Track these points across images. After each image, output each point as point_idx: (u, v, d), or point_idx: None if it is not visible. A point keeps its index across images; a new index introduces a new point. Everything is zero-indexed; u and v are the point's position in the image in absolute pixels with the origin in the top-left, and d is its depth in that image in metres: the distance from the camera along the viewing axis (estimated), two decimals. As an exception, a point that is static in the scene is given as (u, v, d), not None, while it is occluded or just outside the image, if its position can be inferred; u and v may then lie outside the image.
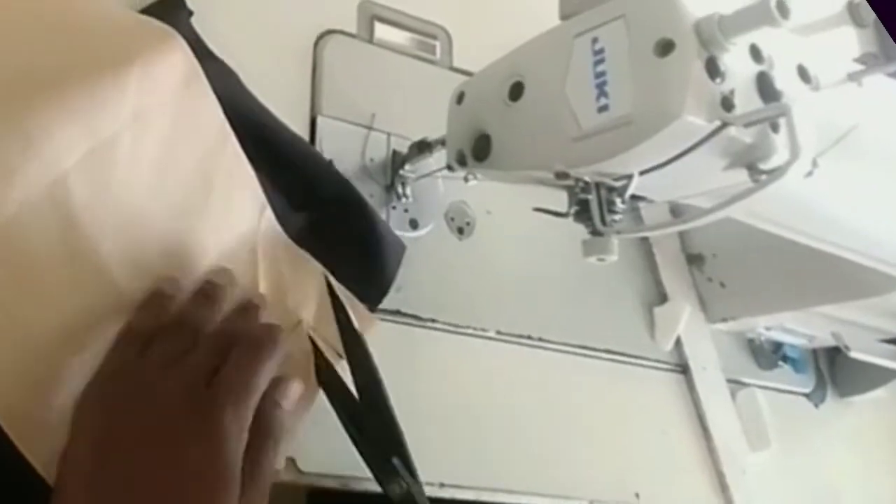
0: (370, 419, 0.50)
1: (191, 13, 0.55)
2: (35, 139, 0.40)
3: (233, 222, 0.51)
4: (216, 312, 0.47)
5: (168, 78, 0.46)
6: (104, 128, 0.43)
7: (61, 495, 0.39)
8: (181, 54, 0.46)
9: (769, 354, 0.78)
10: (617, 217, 0.48)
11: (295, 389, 0.47)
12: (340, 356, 0.52)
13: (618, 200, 0.48)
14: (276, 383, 0.46)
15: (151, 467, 0.39)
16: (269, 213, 0.53)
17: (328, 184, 0.56)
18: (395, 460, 0.49)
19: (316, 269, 0.54)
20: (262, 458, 0.43)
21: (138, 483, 0.39)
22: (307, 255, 0.54)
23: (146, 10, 0.52)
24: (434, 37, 0.68)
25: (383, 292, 0.57)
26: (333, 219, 0.56)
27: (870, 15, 1.00)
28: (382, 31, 0.65)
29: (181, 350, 0.43)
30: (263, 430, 0.44)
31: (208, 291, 0.47)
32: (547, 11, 0.58)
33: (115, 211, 0.44)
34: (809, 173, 0.41)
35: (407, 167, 0.60)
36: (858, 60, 0.85)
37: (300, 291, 0.53)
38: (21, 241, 0.40)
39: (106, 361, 0.43)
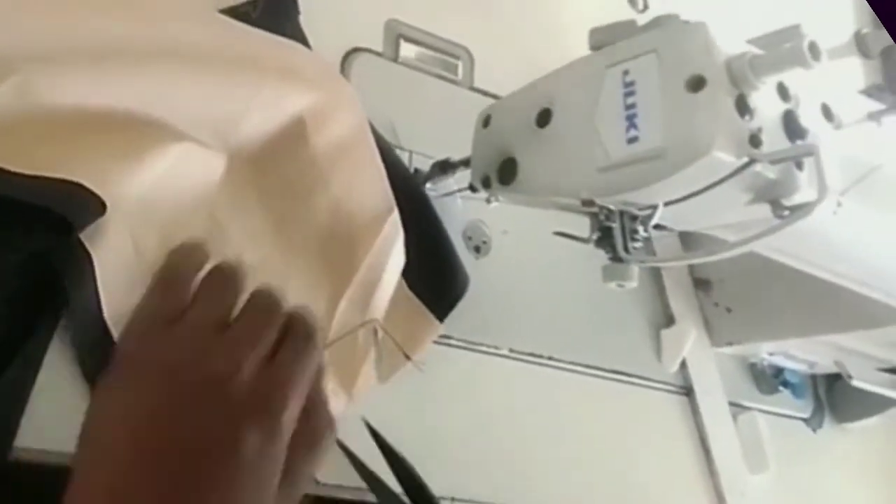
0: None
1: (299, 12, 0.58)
2: None
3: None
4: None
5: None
6: None
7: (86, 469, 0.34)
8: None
9: (770, 379, 0.79)
10: (638, 245, 0.49)
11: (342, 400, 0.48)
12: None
13: (640, 229, 0.49)
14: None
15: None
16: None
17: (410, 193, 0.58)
18: None
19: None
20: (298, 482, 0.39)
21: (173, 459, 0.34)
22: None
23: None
24: (457, 57, 0.69)
25: (451, 305, 0.59)
26: (412, 229, 0.57)
27: (877, 46, 1.02)
28: (407, 50, 0.66)
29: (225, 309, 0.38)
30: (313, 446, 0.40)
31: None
32: (567, 35, 0.59)
33: None
34: (834, 212, 0.42)
35: (428, 185, 0.61)
36: (864, 92, 0.87)
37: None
38: None
39: (138, 309, 0.38)
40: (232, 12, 0.54)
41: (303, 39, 0.58)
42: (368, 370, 0.54)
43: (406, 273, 0.56)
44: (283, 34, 0.55)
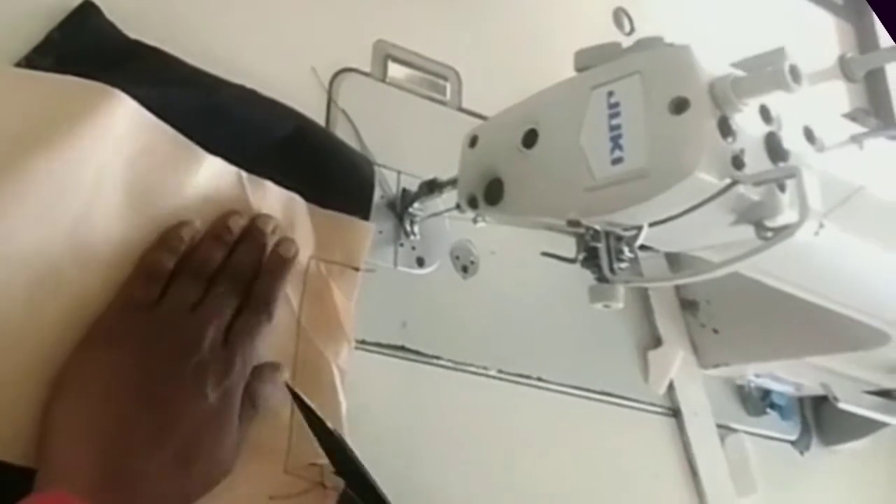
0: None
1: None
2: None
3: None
4: (224, 252, 0.51)
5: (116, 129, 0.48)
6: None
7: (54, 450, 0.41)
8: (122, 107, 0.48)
9: (757, 401, 0.79)
10: (623, 265, 0.49)
11: (283, 375, 0.51)
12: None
13: (625, 249, 0.49)
14: (276, 365, 0.51)
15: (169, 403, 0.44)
16: (255, 178, 0.54)
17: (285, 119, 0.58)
18: None
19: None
20: (242, 425, 0.47)
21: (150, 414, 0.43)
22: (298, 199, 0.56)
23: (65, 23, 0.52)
24: (445, 78, 0.70)
25: (369, 198, 0.59)
26: (298, 149, 0.57)
27: (861, 70, 1.03)
28: (395, 71, 0.67)
29: (196, 294, 0.48)
30: (254, 402, 0.48)
31: (221, 235, 0.51)
32: (555, 57, 0.60)
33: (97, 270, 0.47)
34: (816, 233, 0.42)
35: (416, 205, 0.61)
36: (849, 116, 0.88)
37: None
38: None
39: (117, 296, 0.46)
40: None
41: None
42: (341, 302, 0.55)
43: (313, 195, 0.56)
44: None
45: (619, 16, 0.85)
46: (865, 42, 1.09)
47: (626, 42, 0.50)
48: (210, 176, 0.52)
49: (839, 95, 1.02)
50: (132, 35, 0.54)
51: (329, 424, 0.50)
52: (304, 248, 0.55)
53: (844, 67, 1.02)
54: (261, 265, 0.52)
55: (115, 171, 0.48)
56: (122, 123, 0.48)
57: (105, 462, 0.41)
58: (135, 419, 0.42)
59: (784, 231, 0.42)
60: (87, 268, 0.46)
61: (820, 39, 1.06)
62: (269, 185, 0.54)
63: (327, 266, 0.55)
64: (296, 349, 0.53)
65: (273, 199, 0.54)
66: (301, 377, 0.52)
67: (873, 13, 1.08)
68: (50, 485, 0.40)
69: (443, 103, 0.69)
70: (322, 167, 0.57)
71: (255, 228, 0.52)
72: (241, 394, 0.47)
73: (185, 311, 0.47)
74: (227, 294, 0.49)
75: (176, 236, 0.49)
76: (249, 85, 0.57)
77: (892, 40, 0.98)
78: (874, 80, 1.06)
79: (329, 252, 0.56)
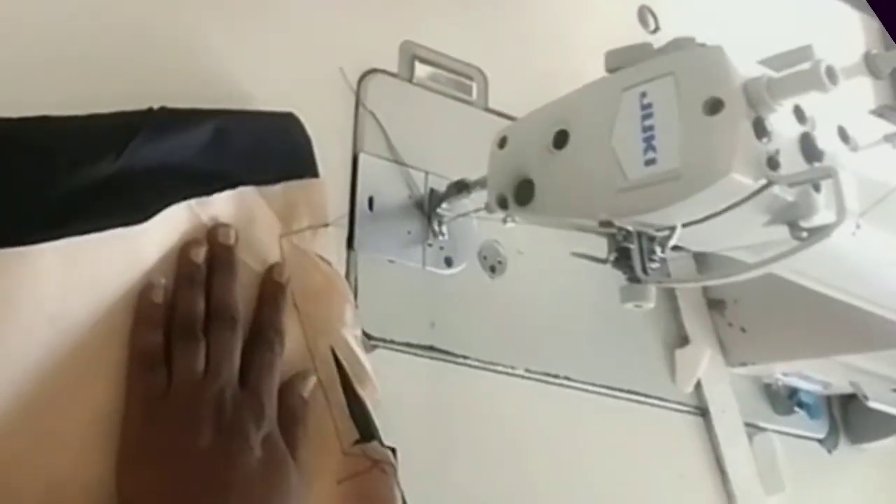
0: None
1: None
2: None
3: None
4: (203, 294, 0.49)
5: None
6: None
7: None
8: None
9: (785, 400, 0.79)
10: (655, 266, 0.49)
11: (312, 381, 0.51)
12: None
13: (658, 249, 0.49)
14: (302, 376, 0.51)
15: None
16: (201, 200, 0.51)
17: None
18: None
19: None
20: (299, 448, 0.47)
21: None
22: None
23: None
24: (471, 78, 0.70)
25: (310, 155, 0.57)
26: (231, 143, 0.55)
27: (887, 67, 1.02)
28: (422, 71, 0.67)
29: (199, 356, 0.46)
30: (295, 421, 0.49)
31: (191, 275, 0.49)
32: (580, 56, 0.60)
33: None
34: (853, 233, 0.42)
35: (444, 206, 0.62)
36: (875, 112, 0.87)
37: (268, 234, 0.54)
38: None
39: (129, 396, 0.45)
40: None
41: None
42: (325, 268, 0.54)
43: (260, 178, 0.54)
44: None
45: (644, 14, 0.85)
46: (891, 38, 1.08)
47: (652, 39, 0.50)
48: (159, 237, 0.49)
49: (865, 92, 1.01)
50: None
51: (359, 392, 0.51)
52: (272, 232, 0.53)
53: (870, 64, 1.01)
54: (240, 284, 0.50)
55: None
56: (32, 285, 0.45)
57: None
58: None
59: (821, 231, 0.42)
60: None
61: (845, 35, 1.05)
62: (214, 196, 0.52)
63: (299, 237, 0.54)
64: (305, 337, 0.53)
65: (224, 206, 0.52)
66: (319, 360, 0.52)
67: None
68: None
69: (469, 103, 0.69)
70: (255, 149, 0.55)
71: (218, 247, 0.50)
72: (281, 424, 0.47)
73: (199, 381, 0.46)
74: (228, 340, 0.48)
75: (149, 304, 0.47)
76: (278, 88, 0.58)
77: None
78: (901, 76, 1.05)
79: (296, 222, 0.55)
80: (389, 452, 0.51)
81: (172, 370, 0.46)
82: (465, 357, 0.61)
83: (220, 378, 0.46)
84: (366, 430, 0.51)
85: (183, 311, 0.48)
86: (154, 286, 0.47)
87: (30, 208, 0.46)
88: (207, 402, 0.45)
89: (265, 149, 0.55)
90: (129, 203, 0.48)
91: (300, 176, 0.56)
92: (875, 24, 1.07)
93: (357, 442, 0.50)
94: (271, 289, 0.51)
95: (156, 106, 0.51)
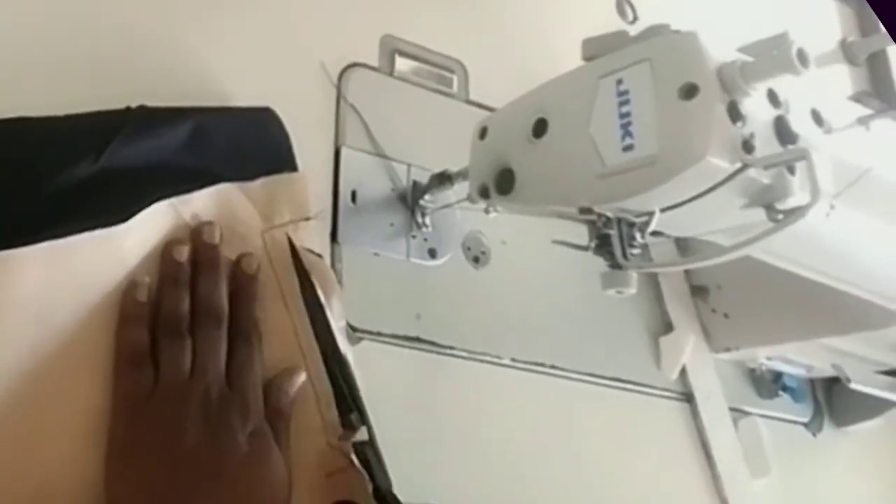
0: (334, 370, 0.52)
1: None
2: None
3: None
4: (188, 292, 0.49)
5: None
6: None
7: None
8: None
9: (769, 384, 0.79)
10: (635, 251, 0.50)
11: (301, 378, 0.51)
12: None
13: (637, 235, 0.50)
14: (291, 371, 0.51)
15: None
16: (182, 198, 0.52)
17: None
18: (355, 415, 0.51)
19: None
20: (282, 443, 0.47)
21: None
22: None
23: None
24: (451, 70, 0.70)
25: (288, 149, 0.57)
26: (211, 141, 0.55)
27: (862, 54, 1.04)
28: (403, 65, 0.67)
29: (185, 355, 0.47)
30: (281, 416, 0.49)
31: (176, 274, 0.49)
32: (560, 47, 0.60)
33: None
34: (827, 214, 0.43)
35: (427, 197, 0.62)
36: (853, 98, 0.88)
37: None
38: None
39: (116, 395, 0.45)
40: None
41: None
42: (307, 258, 0.54)
43: (241, 174, 0.54)
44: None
45: (622, 5, 0.85)
46: (867, 25, 1.09)
47: (631, 31, 0.50)
48: (142, 236, 0.49)
49: (842, 79, 1.03)
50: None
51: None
52: (254, 227, 0.54)
53: (846, 51, 1.02)
54: (226, 281, 0.50)
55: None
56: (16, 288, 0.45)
57: None
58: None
59: (795, 213, 0.43)
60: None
61: (822, 24, 1.06)
62: (195, 193, 0.52)
63: (280, 230, 0.55)
64: (294, 329, 0.53)
65: (205, 203, 0.52)
66: (308, 350, 0.52)
67: (874, -5, 1.08)
68: None
69: (450, 96, 0.70)
70: (234, 145, 0.55)
71: (203, 246, 0.50)
72: (266, 420, 0.48)
73: (186, 380, 0.46)
74: (214, 338, 0.48)
75: (134, 303, 0.47)
76: (259, 83, 0.58)
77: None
78: (876, 64, 1.06)
79: (278, 216, 0.55)
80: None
81: (159, 369, 0.46)
82: (451, 348, 0.61)
83: (206, 376, 0.46)
84: (342, 401, 0.51)
85: (168, 309, 0.48)
86: (138, 285, 0.48)
87: (11, 213, 0.46)
88: (194, 401, 0.45)
89: (244, 145, 0.55)
90: (110, 203, 0.48)
91: (279, 171, 0.56)
92: (850, 12, 1.08)
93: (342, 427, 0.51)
94: (241, 281, 0.51)
95: (134, 105, 0.51)
